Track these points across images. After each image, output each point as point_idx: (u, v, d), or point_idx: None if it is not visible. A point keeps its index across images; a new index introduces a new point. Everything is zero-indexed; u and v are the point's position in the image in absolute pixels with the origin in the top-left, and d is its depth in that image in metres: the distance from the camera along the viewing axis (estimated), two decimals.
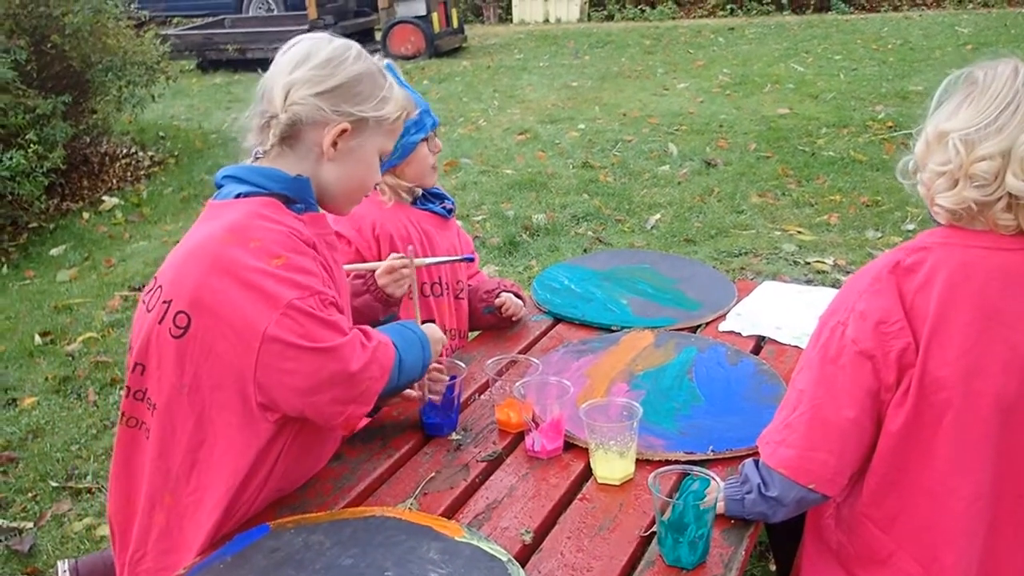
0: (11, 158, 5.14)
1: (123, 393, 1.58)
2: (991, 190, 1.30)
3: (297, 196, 1.56)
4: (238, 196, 1.53)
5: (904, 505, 1.42)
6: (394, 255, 1.97)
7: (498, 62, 10.66)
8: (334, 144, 1.55)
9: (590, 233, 4.91)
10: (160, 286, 1.53)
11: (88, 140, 6.67)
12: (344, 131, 1.55)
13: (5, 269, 5.05)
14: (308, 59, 1.54)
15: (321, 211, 1.63)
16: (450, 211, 2.28)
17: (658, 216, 5.06)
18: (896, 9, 12.91)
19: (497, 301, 2.25)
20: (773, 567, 2.29)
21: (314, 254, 1.53)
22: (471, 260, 2.25)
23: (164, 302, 1.49)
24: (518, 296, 2.31)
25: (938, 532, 1.39)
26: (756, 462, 1.50)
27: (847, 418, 1.38)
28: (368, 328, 1.60)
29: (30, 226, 5.55)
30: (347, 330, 1.51)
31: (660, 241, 4.73)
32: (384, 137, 1.62)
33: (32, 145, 5.29)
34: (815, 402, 1.41)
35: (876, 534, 1.44)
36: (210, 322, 1.45)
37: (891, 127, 6.36)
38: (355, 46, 1.60)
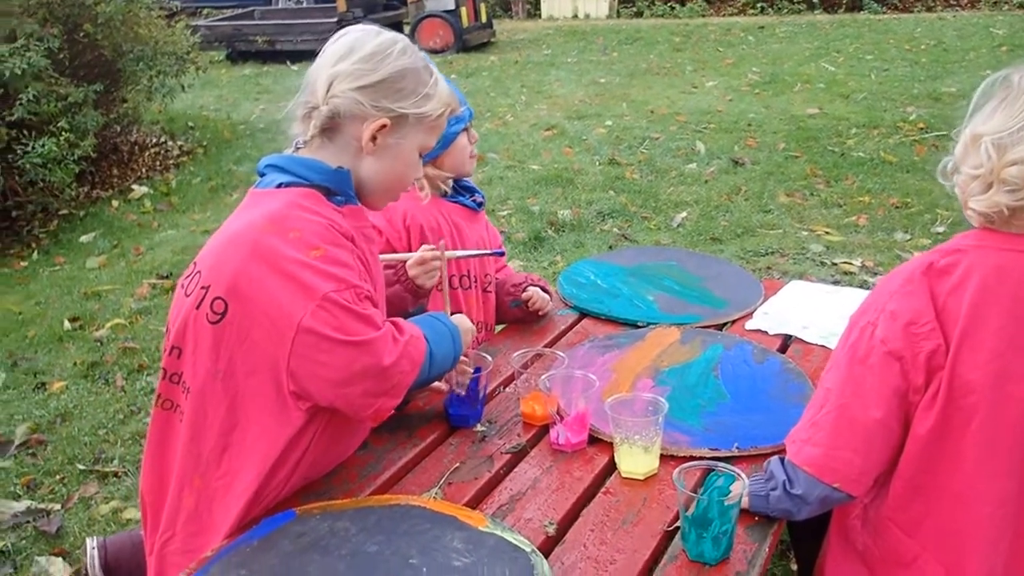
0: (43, 145, 5.21)
1: (159, 375, 1.60)
2: (1021, 195, 1.29)
3: (337, 188, 1.57)
4: (279, 185, 1.55)
5: (930, 509, 1.41)
6: (425, 247, 1.98)
7: (526, 57, 10.66)
8: (373, 139, 1.56)
9: (616, 230, 4.90)
10: (199, 271, 1.55)
11: (118, 129, 6.74)
12: (383, 127, 1.55)
13: (36, 255, 5.11)
14: (353, 52, 1.54)
15: (359, 204, 1.63)
16: (480, 204, 2.29)
17: (684, 214, 5.04)
18: (930, 10, 12.78)
19: (524, 295, 2.26)
20: (794, 566, 2.28)
21: (351, 247, 1.54)
22: (501, 255, 2.27)
23: (202, 287, 1.51)
24: (545, 291, 2.31)
25: (964, 537, 1.38)
26: (782, 459, 1.50)
27: (874, 418, 1.38)
28: (400, 321, 1.61)
29: (60, 213, 5.62)
30: (381, 324, 1.52)
31: (686, 239, 4.71)
32: (425, 134, 1.61)
33: (64, 133, 5.35)
34: (842, 401, 1.41)
35: (901, 538, 1.44)
36: (247, 309, 1.47)
37: (922, 128, 6.29)
38: (402, 40, 1.59)
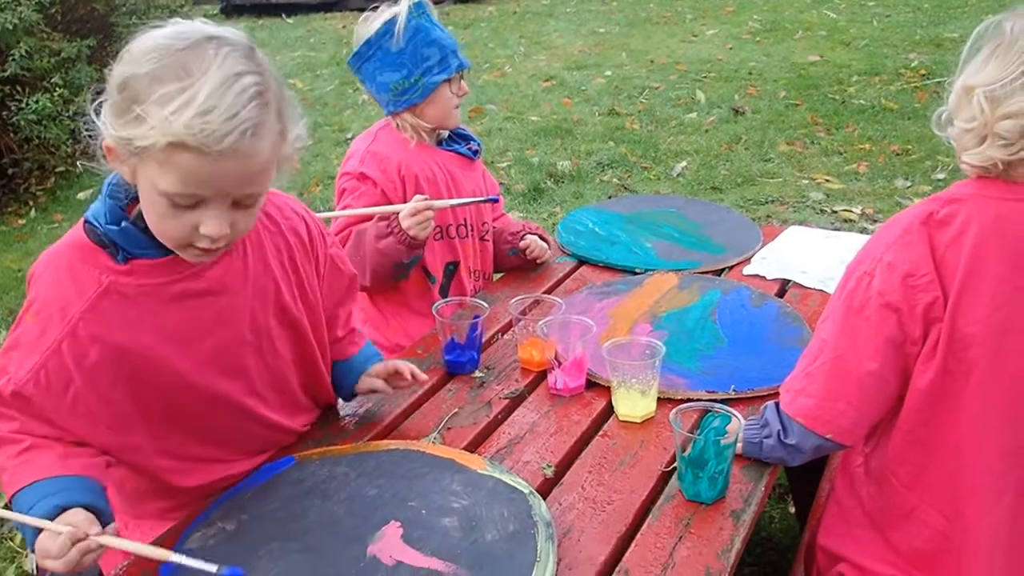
0: (37, 101, 5.17)
1: None
2: (1016, 149, 1.26)
3: (117, 242, 1.32)
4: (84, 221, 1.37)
5: (929, 461, 1.41)
6: (418, 196, 1.97)
7: (524, 8, 10.51)
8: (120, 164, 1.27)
9: (615, 180, 4.88)
10: None
11: None
12: (108, 149, 1.24)
13: (33, 213, 5.10)
14: None
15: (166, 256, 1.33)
16: (476, 152, 2.27)
17: (684, 164, 5.01)
18: None
19: (522, 243, 2.25)
20: (792, 508, 2.31)
21: (61, 329, 1.29)
22: (495, 201, 2.25)
23: None
24: (543, 239, 2.30)
25: (963, 487, 1.38)
26: (777, 407, 1.50)
27: (868, 370, 1.37)
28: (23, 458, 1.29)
29: (57, 170, 5.59)
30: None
31: (686, 189, 4.69)
32: (156, 170, 1.18)
33: (58, 89, 5.31)
34: (837, 352, 1.40)
35: (899, 490, 1.44)
36: None
37: (924, 75, 6.23)
38: (183, 32, 1.21)
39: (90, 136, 1.23)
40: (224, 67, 1.16)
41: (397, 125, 2.14)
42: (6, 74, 5.17)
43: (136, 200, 1.29)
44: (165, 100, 1.14)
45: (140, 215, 1.29)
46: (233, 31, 1.23)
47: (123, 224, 1.29)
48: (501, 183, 4.75)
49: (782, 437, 1.46)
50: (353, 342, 1.73)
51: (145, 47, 1.19)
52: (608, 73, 7.05)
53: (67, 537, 1.17)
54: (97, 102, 1.22)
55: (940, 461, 1.39)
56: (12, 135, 5.28)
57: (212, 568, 1.14)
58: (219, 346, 1.41)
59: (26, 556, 2.00)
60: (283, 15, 10.54)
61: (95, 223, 1.31)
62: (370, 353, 1.74)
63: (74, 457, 1.29)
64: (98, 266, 1.30)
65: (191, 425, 1.45)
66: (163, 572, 1.28)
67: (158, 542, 1.37)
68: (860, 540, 1.51)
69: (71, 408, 1.30)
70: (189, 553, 1.23)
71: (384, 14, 2.05)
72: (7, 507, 1.27)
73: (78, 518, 1.20)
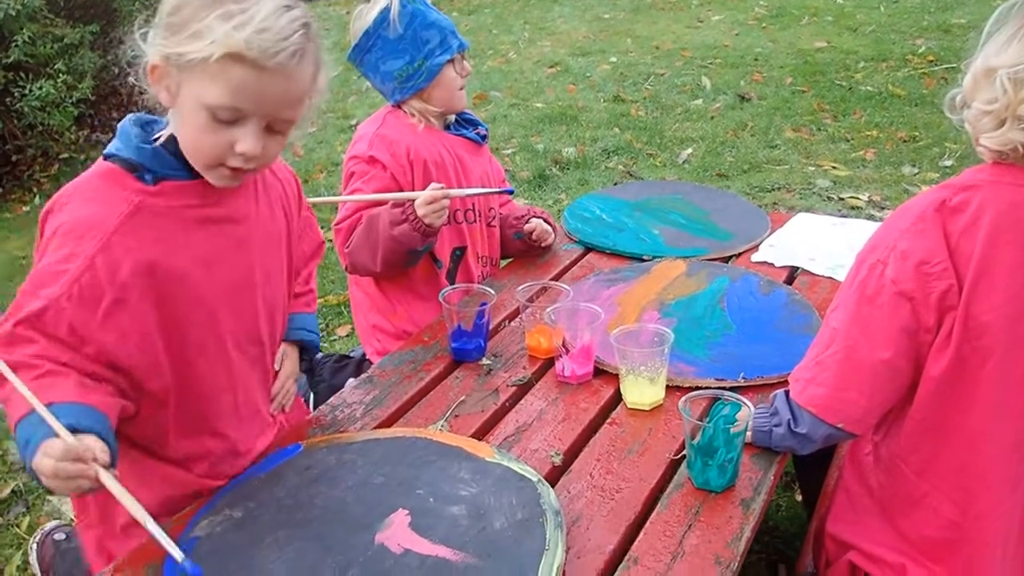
0: (40, 88, 5.15)
1: None
2: None
3: (143, 163, 1.37)
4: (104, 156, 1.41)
5: (941, 449, 1.39)
6: (433, 185, 1.96)
7: None
8: (161, 86, 1.33)
9: (621, 167, 4.85)
10: None
11: (116, 71, 6.64)
12: (153, 68, 1.30)
13: (37, 199, 5.09)
14: None
15: (194, 178, 1.38)
16: (483, 137, 2.26)
17: (690, 150, 4.99)
18: None
19: (527, 227, 2.24)
20: (799, 497, 2.30)
21: (90, 248, 1.29)
22: (511, 192, 2.24)
23: None
24: (548, 223, 2.29)
25: (975, 476, 1.37)
26: (787, 396, 1.48)
27: (881, 359, 1.35)
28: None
29: (61, 156, 5.57)
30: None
31: (692, 175, 4.67)
32: (203, 84, 1.25)
33: (61, 75, 5.28)
34: (849, 342, 1.38)
35: (910, 477, 1.43)
36: None
37: (932, 61, 6.17)
38: None
39: (128, 66, 1.32)
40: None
41: (404, 111, 2.13)
42: (9, 60, 5.14)
43: (156, 138, 1.36)
44: (226, 16, 1.22)
45: (167, 141, 1.35)
46: None
47: (154, 145, 1.35)
48: (506, 170, 4.71)
49: (792, 426, 1.45)
50: (308, 303, 1.80)
51: None
52: (613, 59, 7.01)
53: (72, 449, 1.14)
54: (143, 31, 1.30)
55: (952, 449, 1.38)
56: (16, 122, 5.26)
57: (178, 555, 1.09)
58: (234, 275, 1.45)
59: (31, 545, 2.00)
60: None
61: (119, 153, 1.35)
62: (311, 325, 1.79)
63: (91, 390, 1.29)
64: (127, 187, 1.33)
65: (200, 367, 1.44)
66: (166, 571, 1.28)
67: (166, 528, 1.36)
68: (869, 528, 1.50)
69: (102, 322, 1.29)
70: (196, 540, 1.22)
71: (377, 4, 2.04)
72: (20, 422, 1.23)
73: (90, 442, 1.18)
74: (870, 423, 1.42)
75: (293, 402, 1.74)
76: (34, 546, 1.97)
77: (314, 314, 1.82)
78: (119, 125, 1.39)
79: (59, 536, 1.98)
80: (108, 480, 1.16)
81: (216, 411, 1.50)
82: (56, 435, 1.17)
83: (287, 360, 1.73)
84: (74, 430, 1.18)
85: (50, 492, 1.21)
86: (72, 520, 2.41)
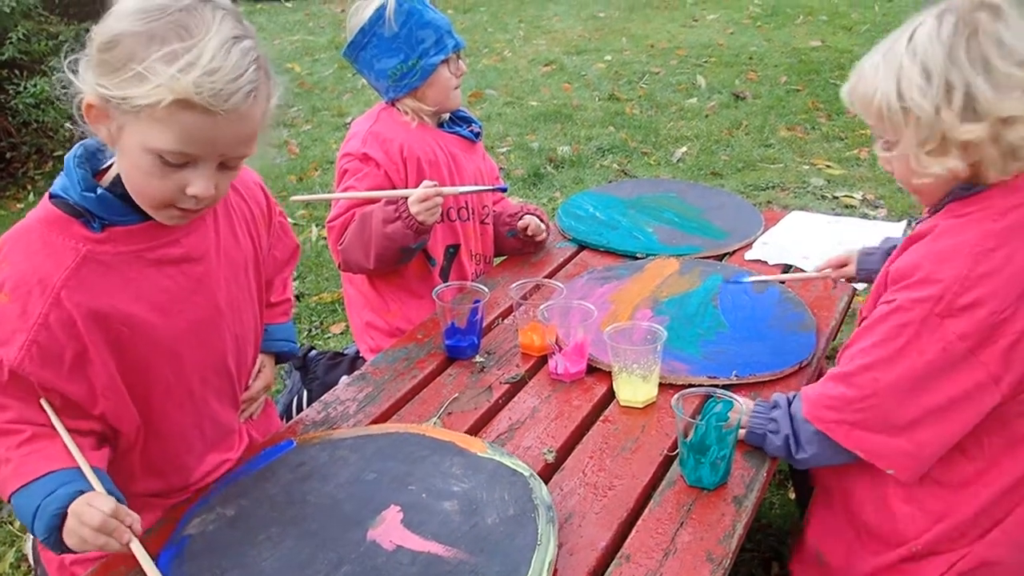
0: (35, 85, 5.13)
1: None
2: None
3: (91, 210, 1.30)
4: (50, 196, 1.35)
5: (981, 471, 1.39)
6: (426, 182, 1.96)
7: None
8: (96, 123, 1.24)
9: (615, 166, 4.85)
10: None
11: None
12: (88, 107, 1.21)
13: (32, 197, 5.08)
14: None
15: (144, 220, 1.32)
16: (477, 135, 2.26)
17: (684, 149, 4.99)
18: None
19: (520, 223, 2.24)
20: (792, 495, 2.30)
21: (43, 299, 1.26)
22: (504, 191, 2.25)
23: None
24: (541, 220, 2.29)
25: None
26: (790, 410, 1.45)
27: (938, 406, 1.31)
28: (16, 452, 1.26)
29: (55, 154, 5.56)
30: None
31: (686, 174, 4.67)
32: (149, 127, 1.17)
33: (55, 72, 5.27)
34: (897, 394, 1.33)
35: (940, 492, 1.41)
36: None
37: None
38: None
39: (62, 95, 1.21)
40: (223, 30, 1.16)
41: (398, 109, 2.13)
42: (4, 58, 5.12)
43: (103, 172, 1.30)
44: (171, 58, 1.13)
45: (112, 183, 1.29)
46: None
47: (99, 191, 1.27)
48: (501, 168, 4.73)
49: (792, 450, 1.43)
50: (285, 312, 1.77)
51: (136, 7, 1.17)
52: (608, 58, 7.01)
53: (113, 519, 1.16)
54: (71, 59, 1.20)
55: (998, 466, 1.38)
56: (10, 119, 5.24)
57: None
58: (197, 315, 1.40)
59: (25, 539, 2.00)
60: None
61: (65, 195, 1.28)
62: (288, 334, 1.77)
63: (84, 450, 1.27)
64: (73, 236, 1.27)
65: (166, 408, 1.42)
66: (163, 558, 1.28)
67: (157, 527, 1.36)
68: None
69: (69, 376, 1.27)
70: (187, 539, 1.22)
71: (374, 2, 2.03)
72: (8, 500, 1.24)
73: (125, 510, 1.19)
74: (926, 468, 1.38)
75: (261, 411, 1.71)
76: (29, 537, 1.96)
77: (290, 323, 1.79)
78: (66, 158, 1.31)
79: None
80: (138, 549, 1.18)
81: (185, 447, 1.48)
82: (74, 498, 1.18)
83: (264, 371, 1.69)
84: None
85: (61, 552, 1.21)
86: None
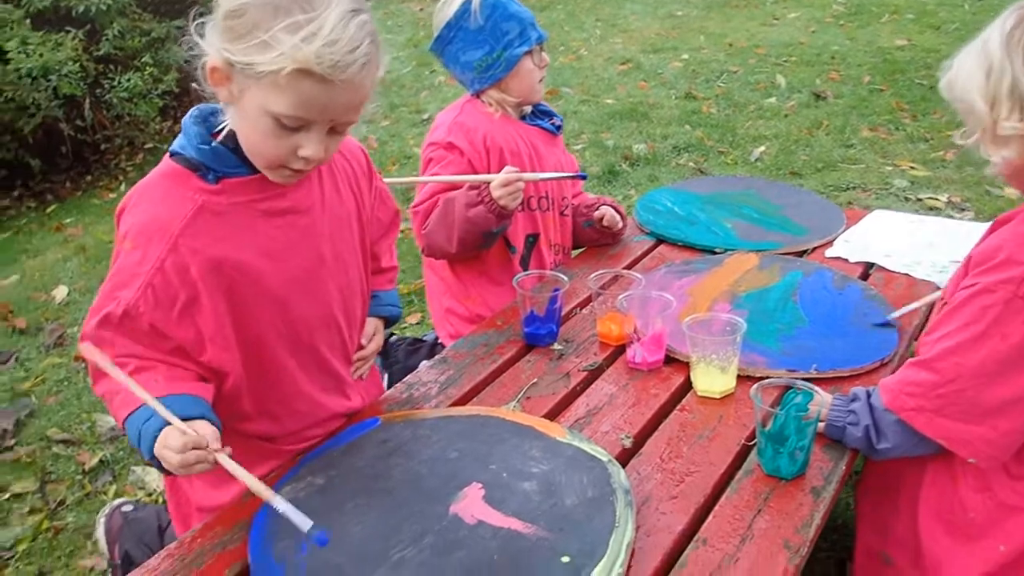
0: (128, 80, 5.35)
1: None
2: None
3: (205, 163, 1.40)
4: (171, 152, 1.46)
5: None
6: (508, 168, 2.00)
7: None
8: (218, 85, 1.32)
9: (691, 164, 4.83)
10: None
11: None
12: (213, 69, 1.29)
13: (123, 187, 5.29)
14: None
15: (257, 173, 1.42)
16: (558, 128, 2.29)
17: (763, 148, 4.93)
18: None
19: (596, 214, 2.27)
20: None
21: (161, 248, 1.35)
22: (584, 178, 2.28)
23: None
24: (617, 211, 2.31)
25: None
26: (870, 401, 1.44)
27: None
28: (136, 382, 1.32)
29: (146, 147, 5.78)
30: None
31: (764, 174, 4.62)
32: (267, 94, 1.25)
33: (148, 68, 5.48)
34: (980, 379, 1.31)
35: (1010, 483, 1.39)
36: None
37: None
38: None
39: (187, 59, 1.29)
40: (342, 3, 1.24)
41: (483, 101, 2.18)
42: (100, 53, 5.36)
43: (215, 135, 1.39)
44: (294, 28, 1.20)
45: (226, 138, 1.38)
46: None
47: (213, 144, 1.38)
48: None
49: (873, 440, 1.42)
50: (391, 280, 1.86)
51: None
52: (685, 56, 6.96)
53: (190, 440, 1.25)
54: (199, 22, 1.29)
55: None
56: (105, 112, 5.47)
57: (305, 526, 1.17)
58: (303, 264, 1.48)
59: (97, 524, 2.09)
60: None
61: (182, 151, 1.39)
62: (394, 300, 1.85)
63: (182, 379, 1.37)
64: (191, 187, 1.37)
65: (276, 353, 1.50)
66: (256, 521, 1.34)
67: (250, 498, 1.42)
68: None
69: (178, 321, 1.37)
70: None
71: None
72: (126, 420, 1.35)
73: (206, 429, 1.29)
74: (1011, 453, 1.36)
75: (369, 373, 1.78)
76: (102, 519, 2.06)
77: (395, 290, 1.89)
78: (183, 120, 1.42)
79: (127, 508, 2.07)
80: (227, 462, 1.26)
81: (295, 392, 1.56)
82: (166, 425, 1.27)
83: (377, 336, 1.78)
84: (184, 419, 1.28)
85: (170, 474, 1.31)
86: (153, 492, 2.52)
